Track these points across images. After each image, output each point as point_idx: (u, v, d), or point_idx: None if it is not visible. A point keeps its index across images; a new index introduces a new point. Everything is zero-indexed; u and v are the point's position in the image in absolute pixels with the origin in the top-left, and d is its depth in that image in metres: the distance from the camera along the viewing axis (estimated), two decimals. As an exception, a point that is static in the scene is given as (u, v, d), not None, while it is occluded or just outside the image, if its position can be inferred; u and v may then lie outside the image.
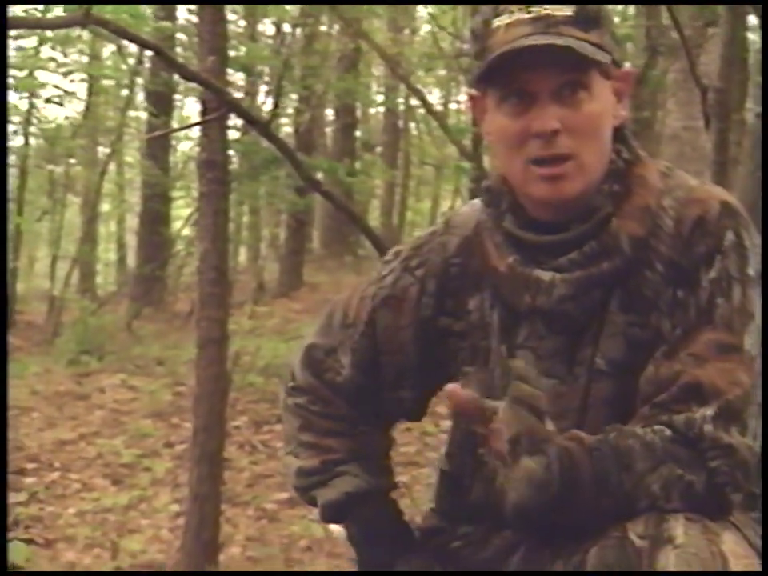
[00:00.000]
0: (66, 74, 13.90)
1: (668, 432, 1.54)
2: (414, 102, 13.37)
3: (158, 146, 13.42)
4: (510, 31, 1.61)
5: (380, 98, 16.96)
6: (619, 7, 10.39)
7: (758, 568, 1.50)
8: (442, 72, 15.22)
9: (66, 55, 13.88)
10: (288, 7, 10.99)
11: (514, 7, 1.62)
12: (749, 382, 1.57)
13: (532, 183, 1.64)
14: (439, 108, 14.97)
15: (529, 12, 1.61)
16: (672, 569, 1.44)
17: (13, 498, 5.58)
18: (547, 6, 1.61)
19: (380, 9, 11.09)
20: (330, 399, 1.85)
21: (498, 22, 1.63)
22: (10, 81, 13.25)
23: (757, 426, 1.58)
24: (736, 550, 1.48)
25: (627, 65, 1.76)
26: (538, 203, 1.67)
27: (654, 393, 1.59)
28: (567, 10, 1.61)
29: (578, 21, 1.61)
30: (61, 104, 14.32)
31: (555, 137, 1.60)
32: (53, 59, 13.42)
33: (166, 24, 10.85)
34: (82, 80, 14.32)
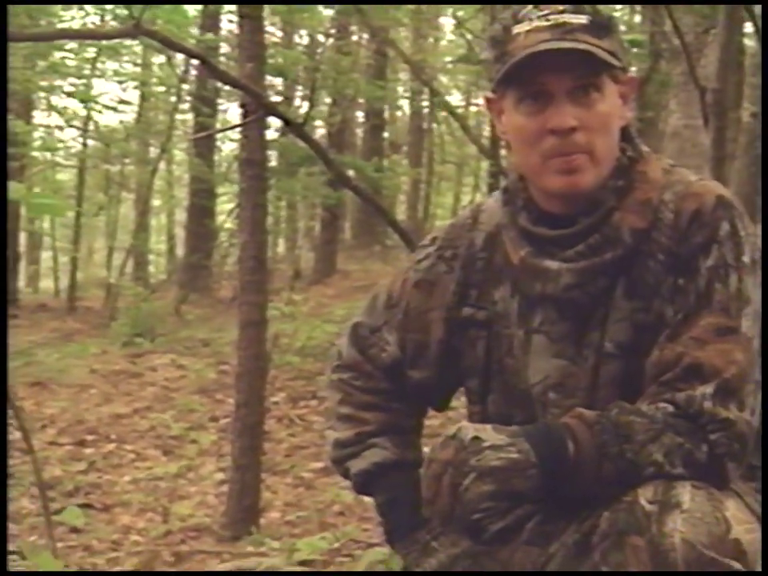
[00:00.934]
0: (120, 83, 13.98)
1: (670, 408, 1.54)
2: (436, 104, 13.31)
3: (203, 147, 13.46)
4: (529, 37, 1.60)
5: (406, 102, 16.91)
6: (626, 16, 10.31)
7: (758, 532, 1.48)
8: (462, 76, 15.16)
9: (120, 65, 13.95)
10: (321, 18, 10.97)
11: (533, 15, 1.61)
12: (746, 362, 1.56)
13: (549, 176, 1.63)
14: (460, 110, 14.90)
15: (547, 20, 1.60)
16: (679, 532, 1.43)
17: (74, 467, 5.62)
18: (564, 15, 1.60)
19: (405, 18, 11.04)
20: (372, 374, 1.84)
21: (518, 29, 1.62)
22: (71, 89, 13.34)
23: (755, 402, 1.57)
24: (738, 515, 1.48)
25: (633, 69, 1.74)
26: (552, 195, 1.66)
27: (659, 374, 1.58)
28: (582, 19, 1.60)
29: (592, 28, 1.61)
30: (116, 109, 14.39)
31: (571, 133, 1.60)
32: (115, 72, 13.51)
33: (209, 36, 10.84)
34: (135, 87, 14.38)
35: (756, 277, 1.61)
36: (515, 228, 1.71)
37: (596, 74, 1.61)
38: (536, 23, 1.60)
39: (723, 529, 1.44)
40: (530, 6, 1.63)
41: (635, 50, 7.95)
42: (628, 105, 1.70)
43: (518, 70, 1.60)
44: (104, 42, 11.86)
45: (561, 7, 1.61)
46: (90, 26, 11.78)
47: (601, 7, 1.66)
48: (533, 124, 1.61)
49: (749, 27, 6.02)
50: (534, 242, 1.68)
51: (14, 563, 3.66)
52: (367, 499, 1.89)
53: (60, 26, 11.39)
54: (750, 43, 6.72)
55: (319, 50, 11.36)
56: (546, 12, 1.61)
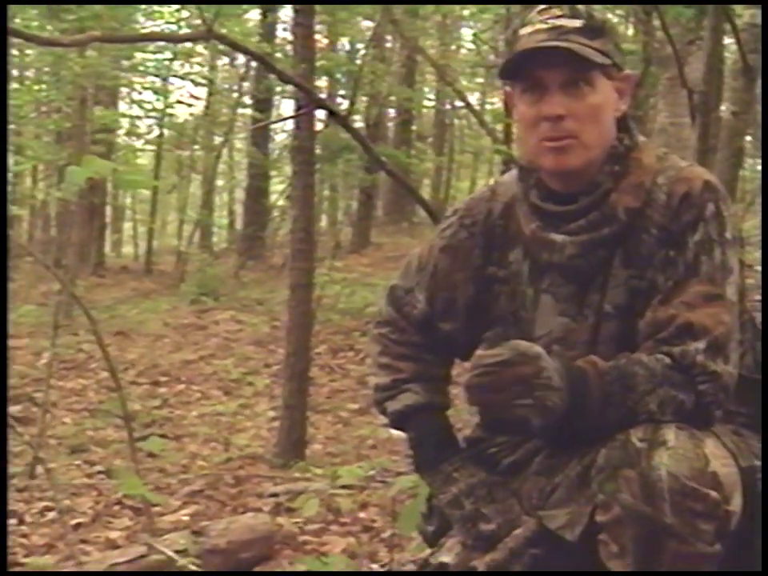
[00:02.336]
0: (191, 81, 13.97)
1: (667, 360, 1.53)
2: (458, 102, 13.21)
3: (260, 137, 13.43)
4: (531, 37, 1.61)
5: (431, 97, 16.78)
6: (621, 27, 10.17)
7: (733, 467, 1.48)
8: (480, 79, 15.03)
9: (191, 66, 13.94)
10: (360, 27, 10.88)
11: (536, 20, 1.62)
12: (731, 323, 1.56)
13: (542, 155, 1.62)
14: (477, 107, 14.75)
15: (546, 24, 1.60)
16: (665, 465, 1.43)
17: (150, 403, 5.67)
18: (561, 20, 1.60)
19: (431, 28, 10.93)
20: (405, 329, 1.83)
21: (522, 31, 1.64)
22: (147, 85, 13.31)
23: (736, 357, 1.56)
24: (715, 452, 1.48)
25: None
26: (548, 173, 1.66)
27: (653, 332, 1.57)
28: (577, 23, 1.60)
29: (585, 31, 1.60)
30: (188, 104, 14.40)
31: (561, 120, 1.59)
32: (190, 74, 13.49)
33: (264, 46, 10.78)
34: (203, 85, 14.37)
35: (736, 251, 1.60)
36: (527, 203, 1.70)
37: (586, 70, 1.59)
38: (537, 26, 1.61)
39: (703, 463, 1.44)
40: (534, 12, 1.64)
41: (628, 57, 7.84)
42: (624, 99, 1.66)
43: (516, 66, 1.61)
44: (178, 47, 11.85)
45: (559, 12, 1.61)
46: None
47: (598, 13, 1.64)
48: (531, 111, 1.61)
49: (727, 40, 5.94)
50: (542, 217, 1.66)
51: (102, 481, 3.70)
52: (396, 435, 1.88)
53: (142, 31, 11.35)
54: (728, 54, 6.64)
55: (360, 53, 11.27)
56: (546, 17, 1.62)
